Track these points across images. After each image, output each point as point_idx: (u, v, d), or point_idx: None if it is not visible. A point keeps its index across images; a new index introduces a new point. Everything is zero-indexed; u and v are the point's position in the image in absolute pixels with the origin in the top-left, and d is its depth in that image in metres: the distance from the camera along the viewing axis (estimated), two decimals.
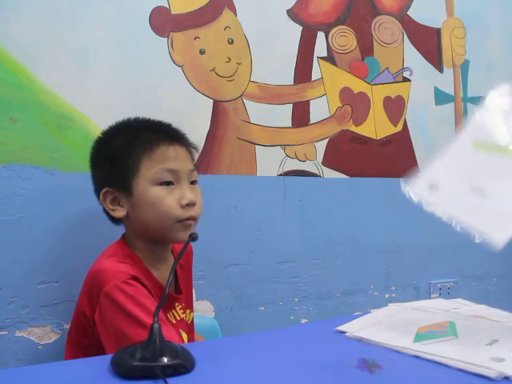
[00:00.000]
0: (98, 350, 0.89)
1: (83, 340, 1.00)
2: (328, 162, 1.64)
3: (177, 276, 1.10)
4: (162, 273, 1.05)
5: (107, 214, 1.05)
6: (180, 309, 1.08)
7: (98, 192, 1.05)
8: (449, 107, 1.90)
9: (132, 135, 1.02)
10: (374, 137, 1.73)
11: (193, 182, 1.04)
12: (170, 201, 0.98)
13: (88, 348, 0.96)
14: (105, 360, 0.67)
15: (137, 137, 1.01)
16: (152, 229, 1.01)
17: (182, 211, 0.99)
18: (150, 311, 0.87)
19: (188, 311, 1.12)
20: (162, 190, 0.99)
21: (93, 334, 0.95)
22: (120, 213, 1.02)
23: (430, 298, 1.81)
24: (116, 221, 1.07)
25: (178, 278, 1.10)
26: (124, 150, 1.00)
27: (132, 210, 1.01)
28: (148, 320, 0.82)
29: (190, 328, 1.12)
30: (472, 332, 0.79)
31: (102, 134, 1.08)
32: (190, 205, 1.00)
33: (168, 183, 0.99)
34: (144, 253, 1.03)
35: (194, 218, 1.01)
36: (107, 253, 1.02)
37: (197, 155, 1.12)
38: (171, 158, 1.00)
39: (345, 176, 1.67)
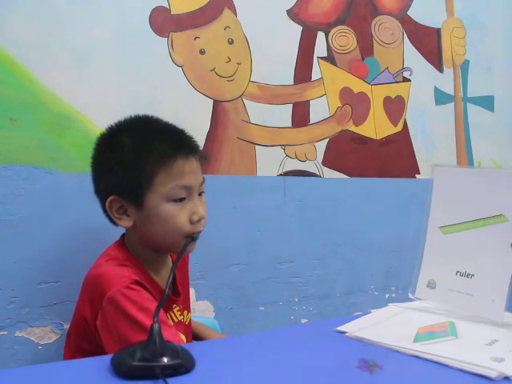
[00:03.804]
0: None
1: (83, 345, 0.98)
2: (328, 162, 1.64)
3: (175, 277, 1.09)
4: (161, 275, 1.05)
5: (110, 219, 1.02)
6: (177, 310, 1.07)
7: (100, 195, 1.02)
8: (449, 107, 1.90)
9: (145, 143, 0.98)
10: (374, 137, 1.73)
11: (201, 193, 1.02)
12: (181, 217, 0.97)
13: (88, 353, 0.95)
14: (105, 360, 0.67)
15: (151, 146, 0.97)
16: (158, 241, 1.00)
17: (191, 227, 0.98)
18: None
19: (185, 312, 1.11)
20: (174, 206, 0.97)
21: (94, 339, 0.94)
22: (126, 223, 0.99)
23: None
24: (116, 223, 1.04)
25: (176, 280, 1.09)
26: (138, 159, 0.96)
27: (140, 222, 0.99)
28: None
29: (187, 329, 1.12)
30: (472, 332, 0.79)
31: (108, 131, 1.03)
32: (200, 220, 0.99)
33: (181, 199, 0.98)
34: (145, 257, 1.02)
35: (200, 232, 1.00)
36: (106, 256, 1.00)
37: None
38: (187, 172, 0.98)
39: (345, 176, 1.67)
